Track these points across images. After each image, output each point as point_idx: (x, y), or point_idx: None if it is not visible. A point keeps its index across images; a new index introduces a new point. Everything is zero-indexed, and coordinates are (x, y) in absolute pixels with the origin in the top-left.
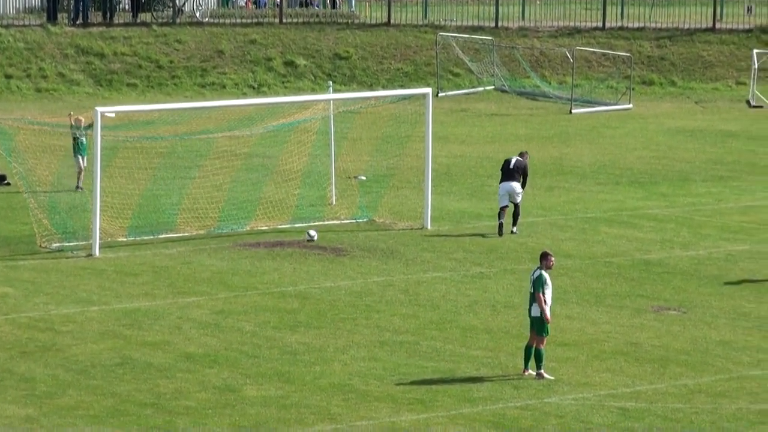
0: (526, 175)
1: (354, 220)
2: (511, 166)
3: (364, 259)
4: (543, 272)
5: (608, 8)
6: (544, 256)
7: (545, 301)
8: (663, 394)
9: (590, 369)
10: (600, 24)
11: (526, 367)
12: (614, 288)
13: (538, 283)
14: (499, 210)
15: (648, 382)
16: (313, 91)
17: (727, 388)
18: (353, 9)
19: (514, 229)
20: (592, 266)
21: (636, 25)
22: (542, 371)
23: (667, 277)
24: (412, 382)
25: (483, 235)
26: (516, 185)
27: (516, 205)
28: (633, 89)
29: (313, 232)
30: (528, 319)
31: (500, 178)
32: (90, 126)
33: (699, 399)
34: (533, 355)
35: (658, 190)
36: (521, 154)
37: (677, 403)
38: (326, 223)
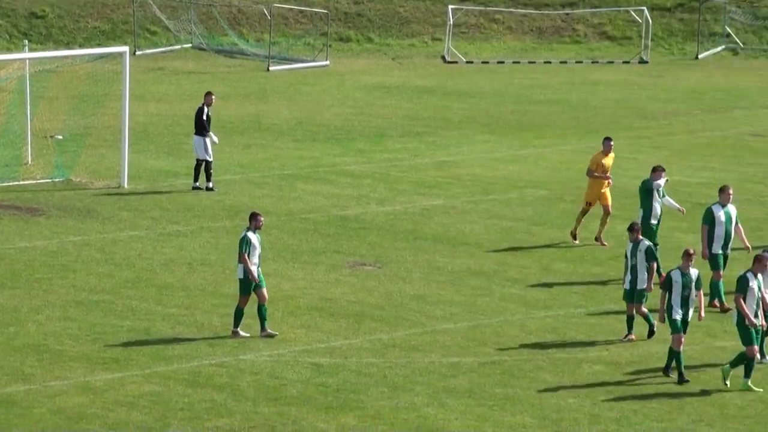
0: (198, 119)
1: (50, 180)
2: (195, 119)
3: (60, 219)
4: (248, 233)
5: None
6: (253, 217)
7: (254, 263)
8: (357, 349)
9: (285, 325)
10: None
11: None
12: (310, 244)
13: (242, 245)
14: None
15: (343, 338)
16: (8, 50)
17: (421, 342)
18: None
19: (210, 185)
20: (288, 223)
21: None
22: (238, 329)
23: (363, 232)
24: (108, 342)
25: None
26: (195, 138)
27: (206, 163)
28: (330, 46)
29: None
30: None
31: None
32: None
33: (393, 353)
34: (234, 313)
35: (354, 146)
36: (205, 96)
37: (371, 357)
38: (22, 183)
